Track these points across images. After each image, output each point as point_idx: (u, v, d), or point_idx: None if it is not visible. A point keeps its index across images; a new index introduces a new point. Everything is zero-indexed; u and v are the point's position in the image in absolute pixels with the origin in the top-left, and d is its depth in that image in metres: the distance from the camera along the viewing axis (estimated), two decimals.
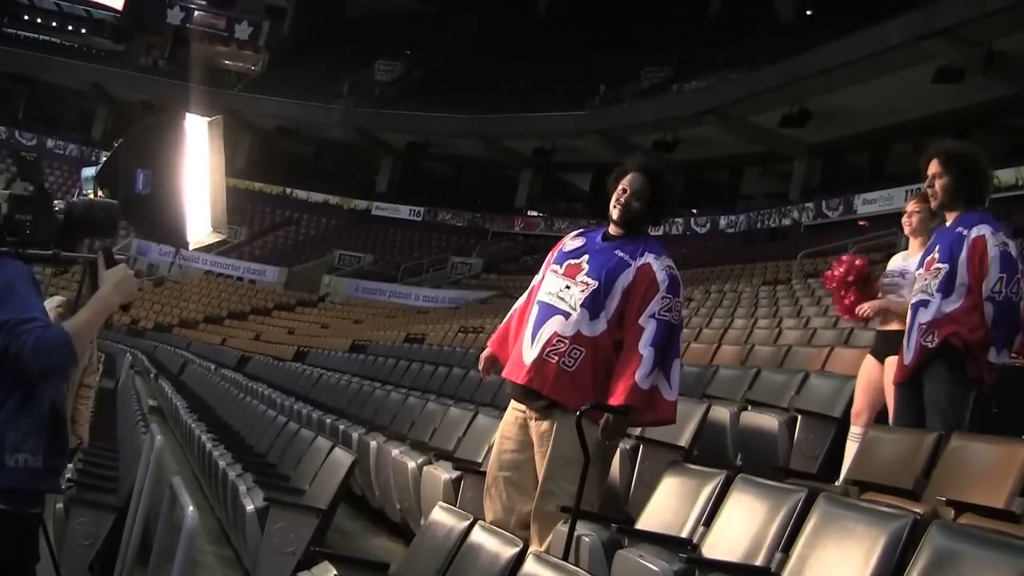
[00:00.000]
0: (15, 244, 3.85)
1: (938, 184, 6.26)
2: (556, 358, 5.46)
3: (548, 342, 5.51)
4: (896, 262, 7.45)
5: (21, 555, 3.97)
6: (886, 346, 7.07)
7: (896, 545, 3.83)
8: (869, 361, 7.28)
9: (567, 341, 5.46)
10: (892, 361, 6.86)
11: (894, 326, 7.07)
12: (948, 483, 5.09)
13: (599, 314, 5.48)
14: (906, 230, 7.44)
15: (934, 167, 6.27)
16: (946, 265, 6.13)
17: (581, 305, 5.50)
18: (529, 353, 5.58)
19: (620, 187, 5.71)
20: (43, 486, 3.92)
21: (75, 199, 4.09)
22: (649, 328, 5.40)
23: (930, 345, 6.10)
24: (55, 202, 4.01)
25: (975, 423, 6.14)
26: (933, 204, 6.44)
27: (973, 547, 3.56)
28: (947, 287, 6.11)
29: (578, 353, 5.44)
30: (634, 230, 5.70)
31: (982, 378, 6.08)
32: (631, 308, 5.46)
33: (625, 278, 5.51)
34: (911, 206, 7.38)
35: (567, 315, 5.52)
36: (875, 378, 7.14)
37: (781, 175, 39.19)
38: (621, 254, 5.58)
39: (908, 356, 6.26)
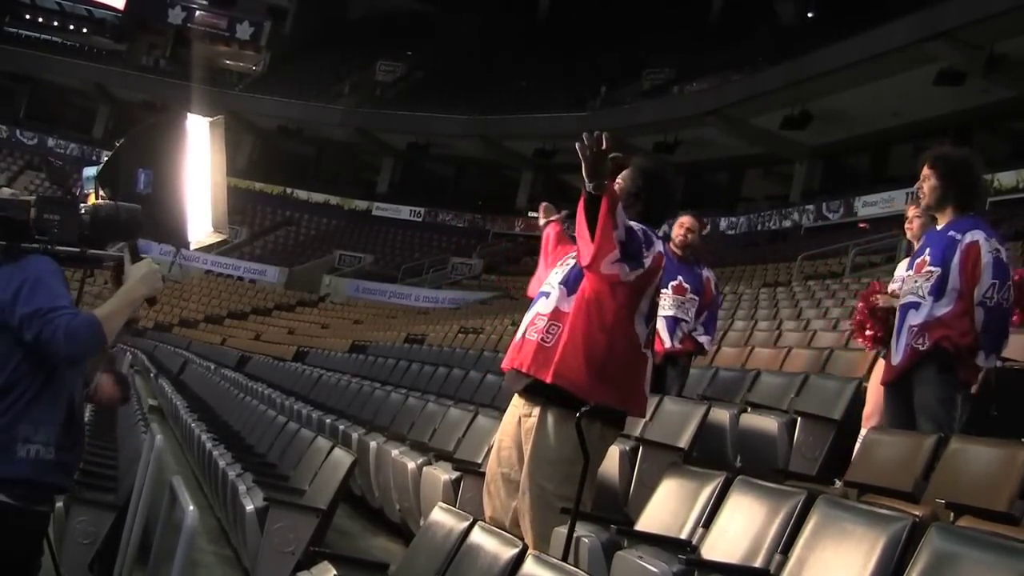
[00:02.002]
0: (44, 243, 3.91)
1: (926, 186, 6.34)
2: (536, 335, 5.48)
3: (530, 322, 5.57)
4: (902, 268, 7.47)
5: (26, 552, 4.00)
6: None
7: (895, 547, 3.83)
8: (881, 365, 7.28)
9: (546, 318, 5.49)
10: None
11: None
12: (947, 486, 5.10)
13: (577, 288, 5.50)
14: (908, 235, 7.51)
15: (924, 170, 6.34)
16: (938, 268, 6.18)
17: (560, 283, 5.56)
18: (518, 335, 5.67)
19: None
20: (52, 480, 3.95)
21: (101, 202, 4.14)
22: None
23: (921, 347, 6.15)
24: (81, 205, 4.06)
25: (975, 426, 6.15)
26: (922, 206, 6.51)
27: (972, 549, 3.56)
28: (938, 291, 6.16)
29: (556, 328, 5.44)
30: None
31: (970, 382, 6.12)
32: None
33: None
34: (911, 212, 7.44)
35: (548, 294, 5.58)
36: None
37: (782, 177, 39.22)
38: None
39: (897, 357, 6.31)
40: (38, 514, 3.94)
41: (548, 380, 5.35)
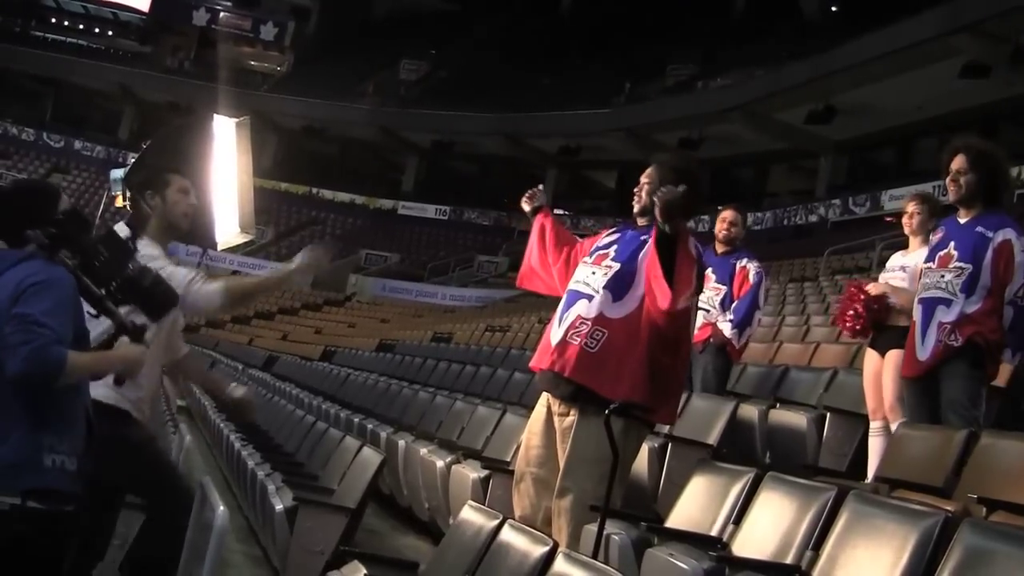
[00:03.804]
0: (76, 264, 3.92)
1: (963, 180, 6.26)
2: (579, 339, 5.45)
3: (571, 324, 5.51)
4: (896, 259, 7.51)
5: (56, 552, 4.04)
6: (887, 340, 7.09)
7: (927, 543, 3.82)
8: (871, 356, 7.30)
9: (589, 323, 5.45)
10: (893, 355, 6.89)
11: (901, 321, 7.08)
12: (978, 481, 5.07)
13: (624, 295, 5.47)
14: (906, 230, 7.48)
15: (960, 162, 6.27)
16: (970, 266, 6.14)
17: (603, 287, 5.50)
18: (555, 336, 5.60)
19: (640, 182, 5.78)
20: (75, 490, 3.99)
21: (149, 267, 4.16)
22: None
23: (955, 344, 6.10)
24: (132, 260, 4.08)
25: (1004, 421, 6.13)
26: (953, 198, 6.43)
27: (1005, 545, 3.55)
28: (970, 288, 6.12)
29: (600, 335, 5.41)
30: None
31: (994, 376, 6.16)
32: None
33: (648, 251, 5.44)
34: (911, 207, 7.41)
35: (590, 298, 5.52)
36: (880, 371, 7.14)
37: (807, 172, 39.06)
38: (644, 237, 5.57)
39: (924, 352, 6.25)
40: (68, 515, 3.98)
41: (617, 397, 5.25)
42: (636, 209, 5.78)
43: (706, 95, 38.41)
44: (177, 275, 5.14)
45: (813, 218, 36.22)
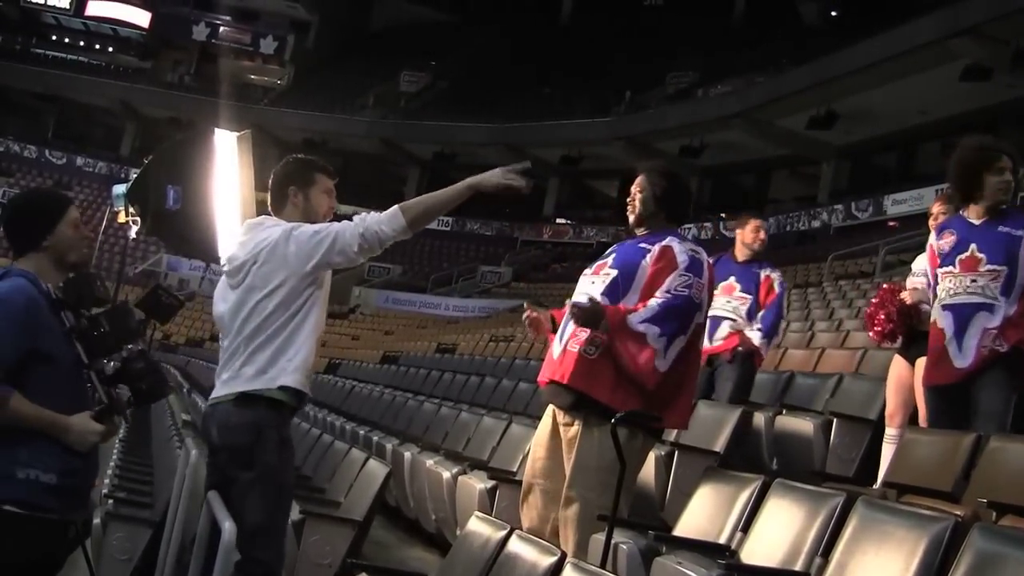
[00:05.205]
0: (80, 325, 3.92)
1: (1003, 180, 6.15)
2: (577, 347, 5.46)
3: (571, 334, 5.53)
4: (922, 262, 7.39)
5: (41, 559, 4.04)
6: (920, 349, 6.97)
7: (937, 548, 3.80)
8: (899, 362, 7.20)
9: (588, 329, 5.46)
10: (923, 362, 6.78)
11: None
12: (988, 485, 5.05)
13: (619, 301, 5.50)
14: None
15: (1007, 162, 6.15)
16: (1005, 267, 5.97)
17: (601, 294, 5.53)
18: (556, 349, 5.63)
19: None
20: (55, 504, 4.02)
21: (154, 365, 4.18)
22: (661, 296, 5.41)
23: (1001, 349, 5.95)
24: (132, 350, 4.09)
25: (1015, 424, 6.07)
26: (997, 201, 6.25)
27: (1016, 549, 3.53)
28: (1008, 289, 5.99)
29: (599, 340, 5.41)
30: (655, 226, 5.73)
31: None
32: (652, 287, 5.47)
33: (646, 261, 5.53)
34: (936, 207, 7.33)
35: None
36: (905, 378, 7.06)
37: (809, 178, 39.09)
38: (643, 245, 5.63)
39: (965, 360, 6.07)
40: (47, 523, 3.99)
41: (616, 403, 5.32)
42: (632, 220, 5.81)
43: (707, 102, 38.47)
44: (336, 226, 5.01)
45: (816, 224, 36.25)
